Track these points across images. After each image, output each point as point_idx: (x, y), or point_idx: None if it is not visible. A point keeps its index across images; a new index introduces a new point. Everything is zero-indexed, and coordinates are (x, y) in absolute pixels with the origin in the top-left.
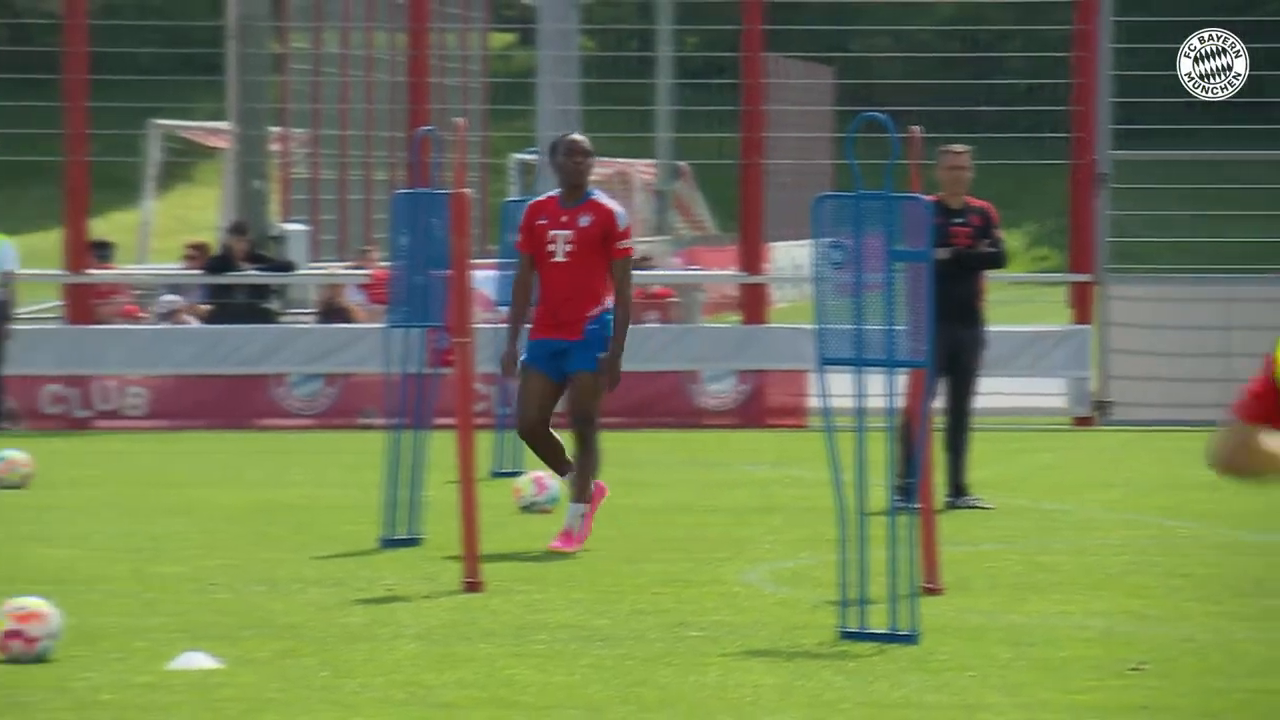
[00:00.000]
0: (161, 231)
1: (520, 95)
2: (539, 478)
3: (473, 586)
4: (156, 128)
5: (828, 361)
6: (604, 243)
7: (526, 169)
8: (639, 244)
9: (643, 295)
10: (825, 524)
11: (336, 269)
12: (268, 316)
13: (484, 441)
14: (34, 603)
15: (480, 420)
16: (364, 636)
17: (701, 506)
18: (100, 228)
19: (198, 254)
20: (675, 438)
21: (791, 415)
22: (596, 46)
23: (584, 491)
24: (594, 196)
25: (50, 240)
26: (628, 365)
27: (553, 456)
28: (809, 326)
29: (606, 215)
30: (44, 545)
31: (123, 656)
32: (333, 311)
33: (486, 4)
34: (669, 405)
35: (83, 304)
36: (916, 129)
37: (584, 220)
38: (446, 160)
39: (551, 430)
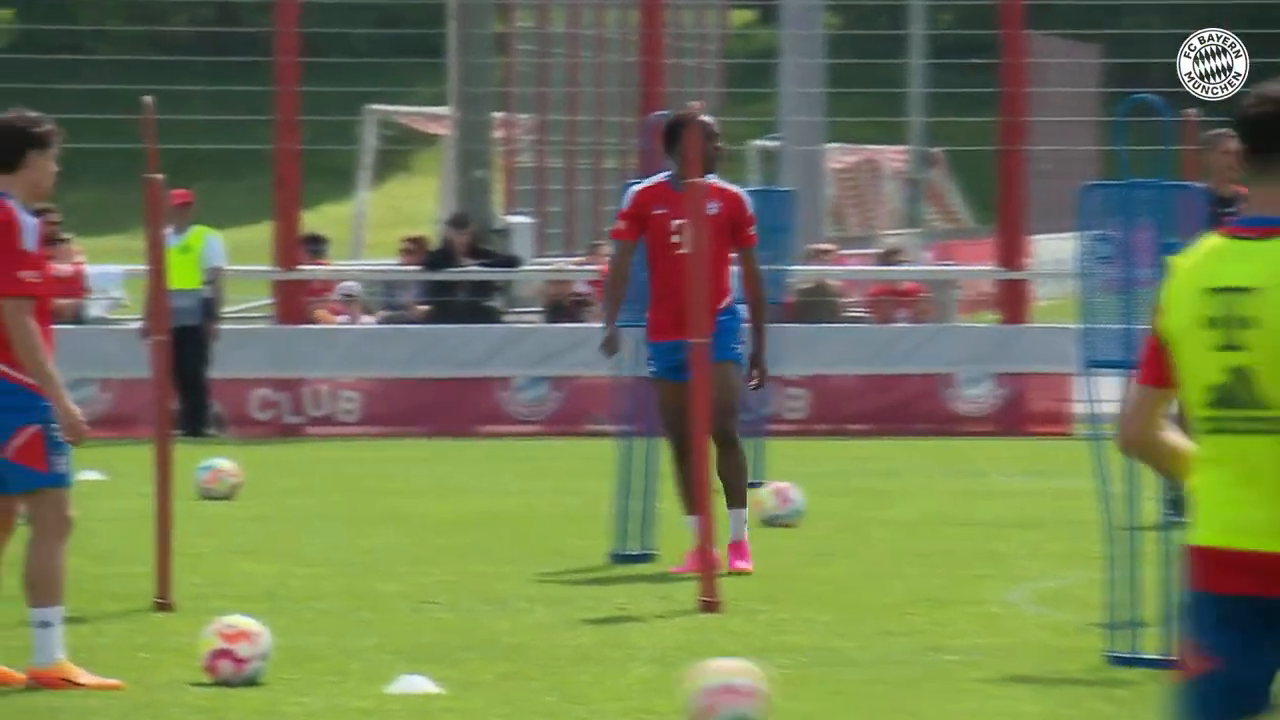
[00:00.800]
0: (377, 224)
1: (760, 77)
2: (782, 489)
3: (710, 606)
4: (372, 113)
5: (1094, 364)
6: (731, 231)
7: (767, 156)
8: (889, 236)
9: (892, 292)
10: (1091, 539)
11: (564, 264)
12: (490, 315)
13: None
14: (243, 621)
15: None
16: (593, 659)
17: (956, 519)
18: (312, 220)
19: (415, 248)
20: (928, 445)
21: (1054, 422)
22: (842, 24)
23: (742, 494)
24: (713, 181)
25: (260, 234)
26: (877, 367)
27: (695, 481)
28: (1073, 326)
29: (734, 201)
30: (253, 560)
31: (337, 679)
32: (560, 310)
33: None
34: (921, 410)
35: (293, 302)
36: (1191, 112)
37: (711, 207)
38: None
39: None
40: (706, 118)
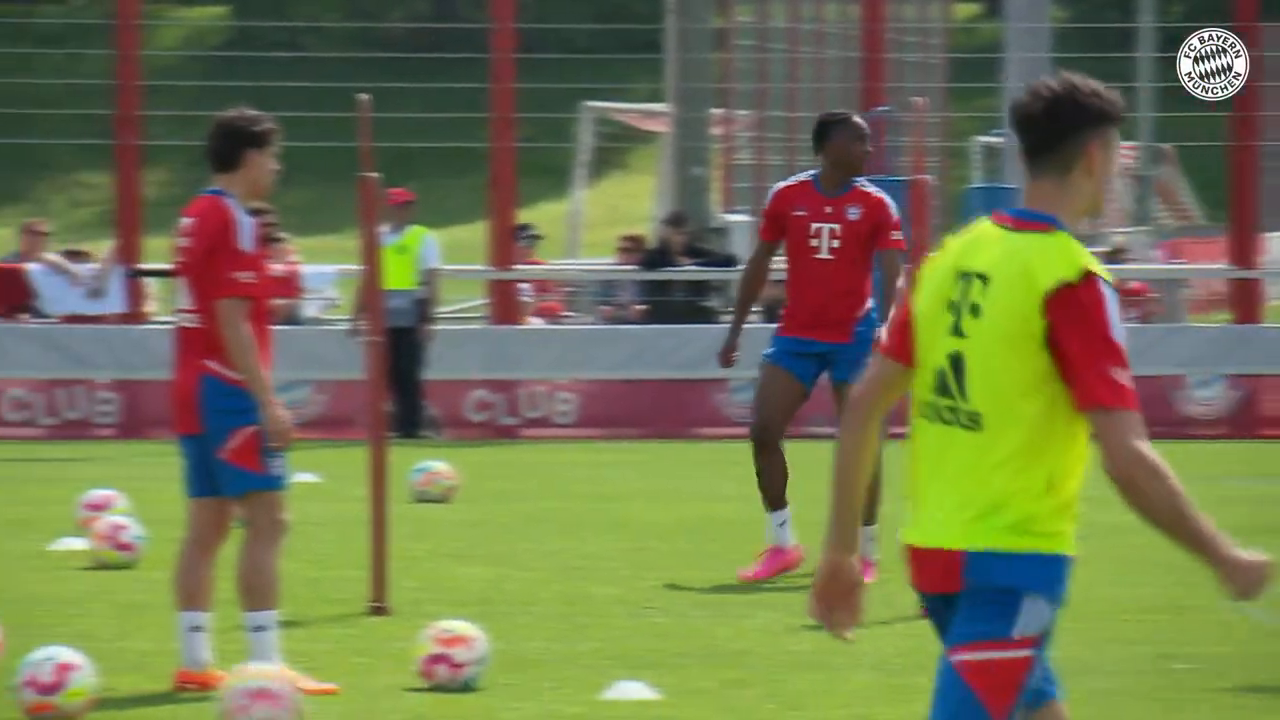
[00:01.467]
0: (593, 223)
1: (985, 71)
2: None
3: None
4: (589, 110)
5: None
6: (872, 237)
7: (992, 152)
8: (1116, 234)
9: (1120, 291)
10: None
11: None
12: (708, 316)
13: None
14: (460, 626)
15: None
16: (814, 665)
17: None
18: (528, 219)
19: (632, 247)
20: (1158, 448)
21: None
22: (1069, 16)
23: (872, 511)
24: (858, 184)
25: (475, 233)
26: None
27: (773, 478)
28: None
29: (877, 206)
30: (468, 564)
31: (554, 685)
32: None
33: None
34: (1150, 413)
35: (509, 302)
36: None
37: (852, 212)
38: (904, 143)
39: (781, 448)
40: (857, 119)
